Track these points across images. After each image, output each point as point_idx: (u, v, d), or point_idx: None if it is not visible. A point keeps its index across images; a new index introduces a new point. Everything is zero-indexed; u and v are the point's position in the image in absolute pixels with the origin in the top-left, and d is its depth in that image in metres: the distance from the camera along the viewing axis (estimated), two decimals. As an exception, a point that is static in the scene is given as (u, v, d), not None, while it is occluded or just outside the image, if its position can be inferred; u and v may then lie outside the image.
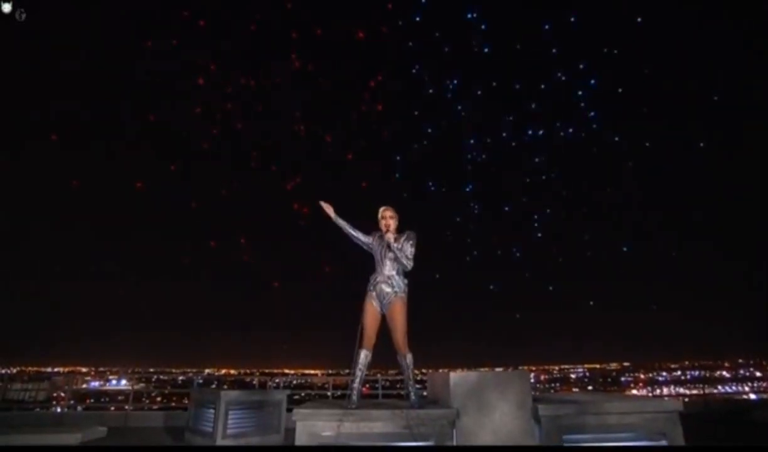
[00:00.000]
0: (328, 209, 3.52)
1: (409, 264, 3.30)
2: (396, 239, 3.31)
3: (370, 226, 3.55)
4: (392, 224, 3.39)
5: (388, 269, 3.31)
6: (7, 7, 6.89)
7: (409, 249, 3.31)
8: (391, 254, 3.31)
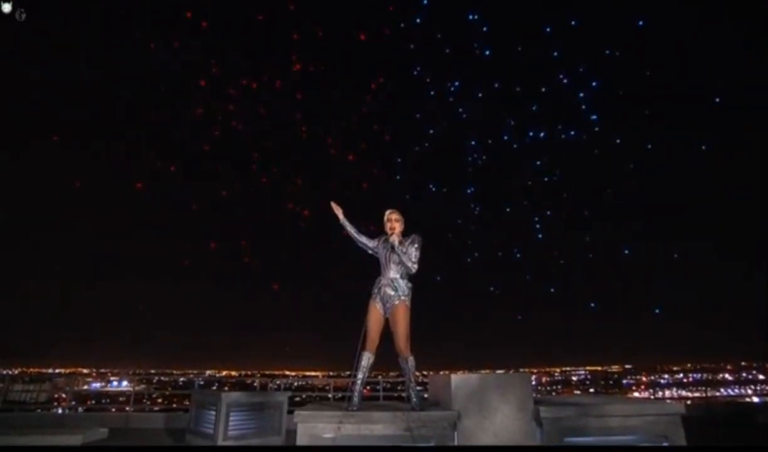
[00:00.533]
0: (338, 211, 3.56)
1: (414, 268, 3.30)
2: (401, 243, 3.32)
3: (372, 230, 3.57)
4: (397, 227, 3.40)
5: (393, 272, 3.31)
6: (7, 7, 6.92)
7: (413, 253, 3.31)
8: (395, 258, 3.31)
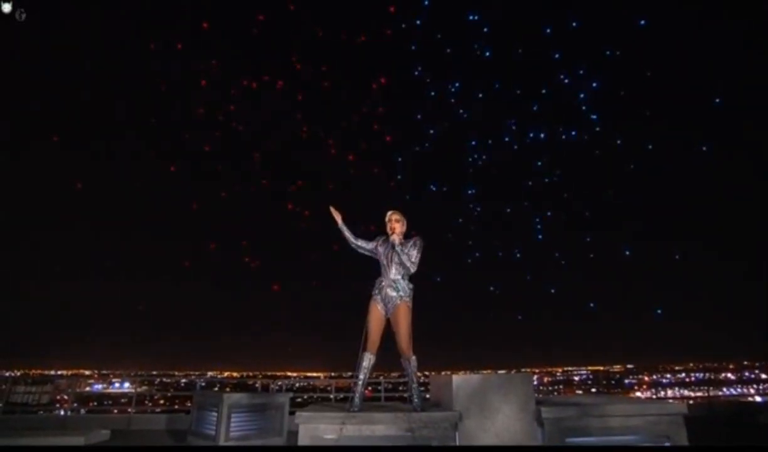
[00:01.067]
0: (337, 216, 3.56)
1: (413, 268, 3.33)
2: (402, 244, 3.33)
3: (372, 231, 3.59)
4: (398, 227, 3.41)
5: (394, 273, 3.33)
6: (7, 7, 6.93)
7: (414, 254, 3.34)
8: (396, 258, 3.33)
